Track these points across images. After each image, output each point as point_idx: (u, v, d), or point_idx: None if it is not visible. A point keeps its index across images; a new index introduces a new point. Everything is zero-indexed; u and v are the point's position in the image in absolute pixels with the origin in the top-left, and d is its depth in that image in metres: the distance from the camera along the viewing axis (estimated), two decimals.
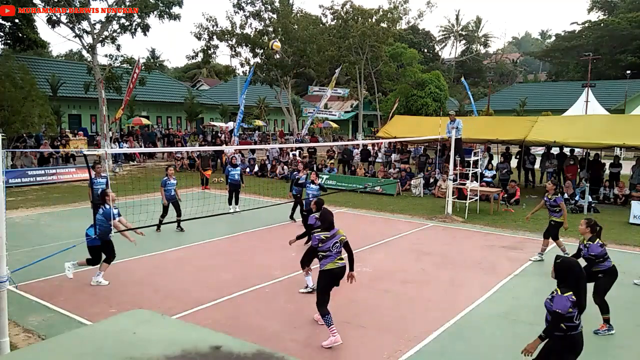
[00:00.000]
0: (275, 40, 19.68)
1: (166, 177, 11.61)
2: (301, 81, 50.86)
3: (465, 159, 15.14)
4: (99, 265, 8.15)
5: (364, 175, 20.44)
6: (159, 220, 11.29)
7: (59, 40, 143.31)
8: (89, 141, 28.24)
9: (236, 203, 14.35)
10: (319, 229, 6.26)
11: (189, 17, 55.90)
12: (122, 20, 23.40)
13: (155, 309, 5.71)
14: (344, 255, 6.29)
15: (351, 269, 6.28)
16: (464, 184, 14.66)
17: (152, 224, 9.47)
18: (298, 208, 12.38)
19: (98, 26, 23.27)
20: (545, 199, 9.77)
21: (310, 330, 6.51)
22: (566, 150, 17.98)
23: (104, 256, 8.13)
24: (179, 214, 11.63)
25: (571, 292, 4.37)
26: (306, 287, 7.83)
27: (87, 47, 23.46)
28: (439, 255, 10.13)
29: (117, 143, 26.61)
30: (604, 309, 6.56)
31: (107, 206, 7.92)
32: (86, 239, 8.00)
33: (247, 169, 23.55)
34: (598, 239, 6.61)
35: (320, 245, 6.09)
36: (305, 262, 7.42)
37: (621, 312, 7.32)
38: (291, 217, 13.11)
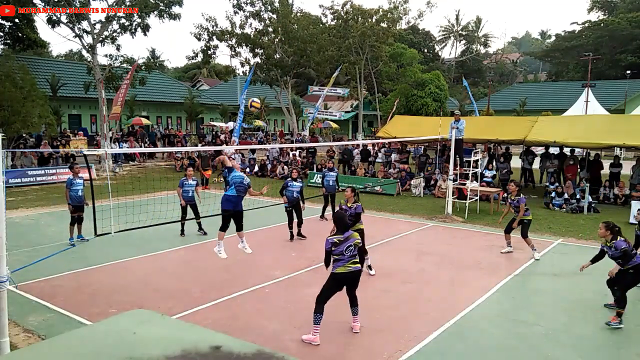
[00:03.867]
0: (255, 98, 19.46)
1: (184, 177, 11.59)
2: (301, 81, 50.82)
3: (465, 159, 15.14)
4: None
5: (364, 175, 20.43)
6: (181, 224, 11.35)
7: (59, 40, 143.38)
8: (89, 141, 28.25)
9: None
10: (333, 232, 6.21)
11: (189, 17, 56.04)
12: (122, 20, 23.42)
13: (155, 309, 5.71)
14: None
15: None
16: (464, 184, 14.66)
17: (152, 224, 9.47)
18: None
19: (98, 26, 23.29)
20: (509, 200, 10.26)
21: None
22: (566, 150, 17.99)
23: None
24: (197, 216, 11.43)
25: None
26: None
27: (87, 47, 23.47)
28: (439, 255, 10.13)
29: (117, 143, 26.61)
30: (622, 303, 6.64)
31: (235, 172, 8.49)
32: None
33: (247, 169, 23.56)
34: (619, 236, 6.76)
35: (333, 248, 6.00)
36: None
37: None
38: (322, 215, 13.49)
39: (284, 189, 11.43)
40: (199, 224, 11.62)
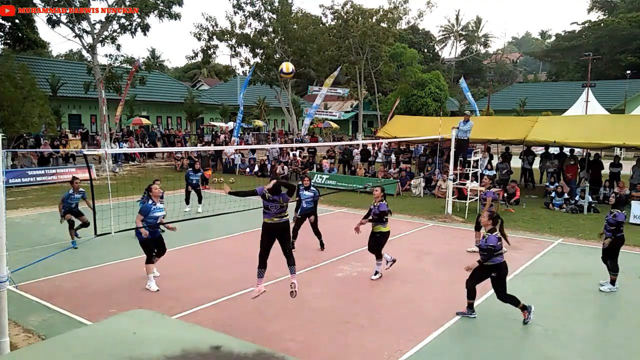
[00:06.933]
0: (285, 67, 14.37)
1: (71, 191, 10.35)
2: (301, 81, 50.85)
3: (467, 158, 15.15)
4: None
5: (364, 175, 20.43)
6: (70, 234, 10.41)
7: (59, 40, 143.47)
8: (89, 141, 28.26)
9: (199, 202, 14.03)
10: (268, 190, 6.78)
11: (189, 17, 56.06)
12: (122, 20, 23.40)
13: (155, 309, 5.71)
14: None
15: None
16: (464, 184, 14.66)
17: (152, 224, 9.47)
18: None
19: (98, 26, 23.27)
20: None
21: (310, 330, 6.50)
22: (566, 150, 17.98)
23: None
24: (73, 226, 10.32)
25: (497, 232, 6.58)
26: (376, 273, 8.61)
27: (87, 47, 23.46)
28: (439, 255, 10.13)
29: (117, 143, 26.62)
30: (515, 302, 6.66)
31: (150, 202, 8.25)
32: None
33: (247, 169, 23.58)
34: (497, 232, 6.72)
35: (263, 200, 6.81)
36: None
37: (621, 312, 7.33)
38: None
39: (298, 201, 10.11)
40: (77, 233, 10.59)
